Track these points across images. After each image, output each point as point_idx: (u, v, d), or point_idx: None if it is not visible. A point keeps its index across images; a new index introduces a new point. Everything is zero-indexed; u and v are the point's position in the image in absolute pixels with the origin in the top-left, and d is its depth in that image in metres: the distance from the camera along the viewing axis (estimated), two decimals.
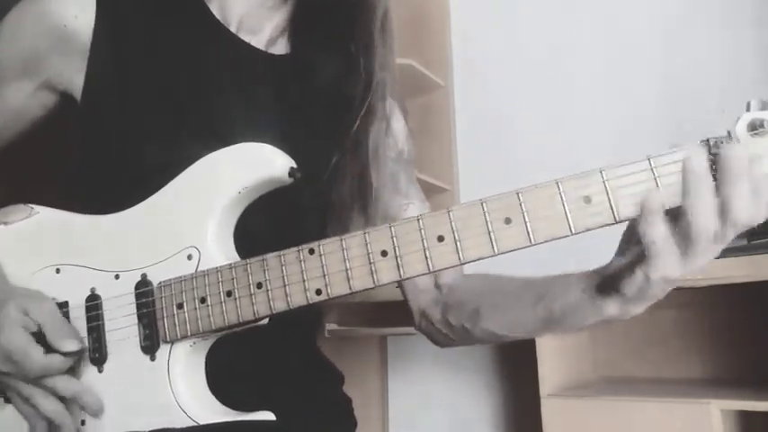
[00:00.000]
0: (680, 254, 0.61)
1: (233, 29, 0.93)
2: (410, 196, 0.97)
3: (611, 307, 0.69)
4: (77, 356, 0.79)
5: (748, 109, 0.62)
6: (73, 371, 0.80)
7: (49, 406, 0.77)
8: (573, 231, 0.64)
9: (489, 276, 0.90)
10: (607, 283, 0.69)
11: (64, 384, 0.77)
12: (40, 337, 0.76)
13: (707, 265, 1.16)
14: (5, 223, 0.86)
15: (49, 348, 0.76)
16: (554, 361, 1.40)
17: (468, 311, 0.86)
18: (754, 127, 0.61)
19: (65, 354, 0.76)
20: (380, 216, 0.90)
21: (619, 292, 0.67)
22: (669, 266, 0.62)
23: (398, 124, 1.00)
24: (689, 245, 0.61)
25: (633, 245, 0.64)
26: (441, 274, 0.89)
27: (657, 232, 0.60)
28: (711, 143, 0.62)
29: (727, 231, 0.61)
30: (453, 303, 0.89)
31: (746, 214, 0.59)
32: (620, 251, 0.68)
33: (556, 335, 0.80)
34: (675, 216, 0.61)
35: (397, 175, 0.96)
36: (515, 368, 1.84)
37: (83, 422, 0.80)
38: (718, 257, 1.18)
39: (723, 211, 0.59)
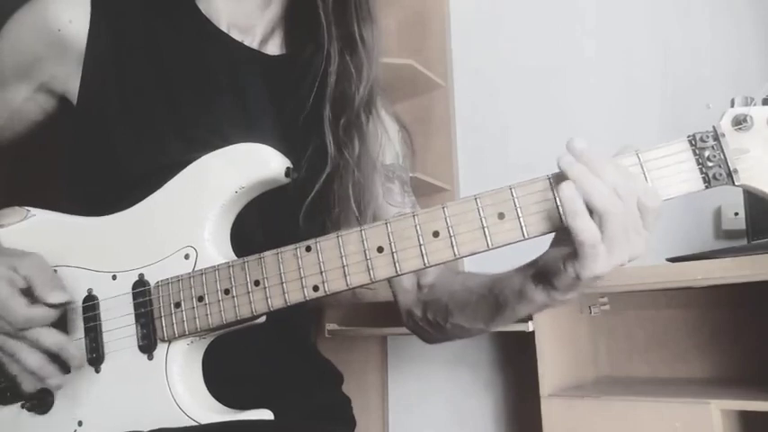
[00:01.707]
0: (606, 251, 0.63)
1: (223, 29, 0.93)
2: (403, 204, 0.98)
3: (540, 295, 0.72)
4: (63, 309, 0.79)
5: (732, 105, 0.64)
6: (68, 371, 0.80)
7: (33, 360, 0.77)
8: (566, 224, 0.64)
9: (461, 274, 0.94)
10: (541, 274, 0.71)
11: (46, 335, 0.77)
12: (28, 293, 0.76)
13: (708, 266, 1.16)
14: (1, 226, 0.86)
15: (36, 302, 0.76)
16: (554, 361, 1.40)
17: (441, 308, 0.90)
18: (739, 122, 0.63)
19: (51, 305, 0.76)
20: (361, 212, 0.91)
21: (551, 284, 0.70)
22: (598, 265, 0.63)
23: (392, 128, 1.00)
24: (607, 236, 0.62)
25: (566, 241, 0.65)
26: (422, 275, 0.93)
27: (588, 232, 0.62)
28: (698, 138, 0.64)
29: (644, 219, 0.63)
30: (431, 301, 0.93)
31: (654, 202, 0.63)
32: (555, 242, 0.71)
33: (505, 323, 0.85)
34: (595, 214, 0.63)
35: (392, 182, 0.97)
36: (515, 368, 1.84)
37: (80, 423, 0.80)
38: (718, 257, 1.19)
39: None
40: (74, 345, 0.78)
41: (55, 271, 0.83)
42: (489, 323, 0.85)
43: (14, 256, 0.79)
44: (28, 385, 0.80)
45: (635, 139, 1.79)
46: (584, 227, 0.61)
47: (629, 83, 1.77)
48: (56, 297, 0.77)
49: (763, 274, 1.11)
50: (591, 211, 0.62)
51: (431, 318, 0.92)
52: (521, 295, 0.75)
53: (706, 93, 1.59)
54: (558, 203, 0.64)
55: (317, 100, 0.92)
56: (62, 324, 0.80)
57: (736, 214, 1.52)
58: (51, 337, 0.77)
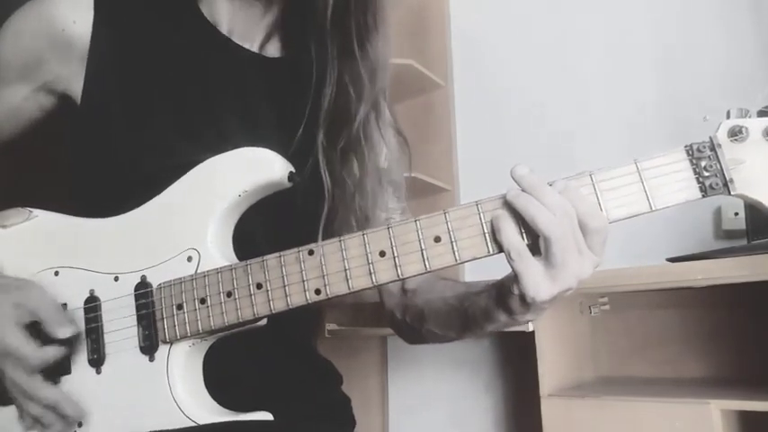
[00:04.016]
0: (545, 272, 0.65)
1: (224, 32, 0.93)
2: (392, 210, 0.98)
3: (502, 316, 0.74)
4: (73, 341, 0.80)
5: (728, 116, 0.66)
6: (69, 372, 0.80)
7: (35, 409, 0.78)
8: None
9: (442, 282, 0.94)
10: (499, 296, 0.73)
11: (45, 393, 0.78)
12: (33, 326, 0.77)
13: (708, 266, 1.16)
14: (3, 227, 0.86)
15: (43, 337, 0.77)
16: (554, 361, 1.40)
17: (418, 314, 0.92)
18: (734, 133, 0.65)
19: (61, 340, 0.77)
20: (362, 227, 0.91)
21: (507, 305, 0.71)
22: (541, 287, 0.65)
23: (387, 131, 0.99)
24: (550, 261, 0.64)
25: None
26: (407, 280, 0.94)
27: (509, 240, 0.65)
28: (695, 148, 0.65)
29: (589, 240, 0.65)
30: (410, 306, 0.94)
31: (597, 222, 0.64)
32: None
33: (475, 337, 0.89)
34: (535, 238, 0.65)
35: (384, 187, 0.96)
36: (515, 368, 1.84)
37: (80, 424, 0.80)
38: (718, 257, 1.19)
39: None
40: (70, 404, 0.78)
41: (56, 273, 0.83)
42: (460, 334, 0.87)
43: (16, 292, 0.80)
44: (27, 423, 0.80)
45: (636, 139, 1.79)
46: (506, 240, 0.65)
47: (631, 85, 1.77)
48: (65, 332, 0.78)
49: (763, 274, 1.11)
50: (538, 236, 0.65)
51: (409, 321, 0.94)
52: (486, 314, 0.77)
53: (707, 100, 1.59)
54: None
55: (313, 101, 0.91)
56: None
57: (736, 214, 1.52)
58: (50, 395, 0.78)
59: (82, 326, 0.81)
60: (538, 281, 0.65)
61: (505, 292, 0.70)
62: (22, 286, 0.81)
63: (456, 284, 0.92)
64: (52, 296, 0.81)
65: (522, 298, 0.67)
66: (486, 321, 0.78)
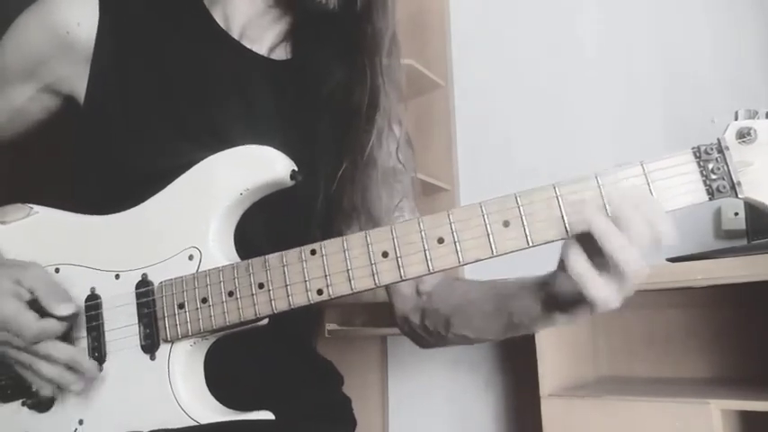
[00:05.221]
0: (612, 285, 0.64)
1: (235, 36, 0.94)
2: (402, 209, 0.97)
3: (562, 318, 0.74)
4: (73, 320, 0.79)
5: (736, 118, 0.64)
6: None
7: (51, 370, 0.77)
8: (570, 234, 0.65)
9: (459, 282, 0.94)
10: (554, 300, 0.72)
11: (58, 351, 0.77)
12: (33, 304, 0.77)
13: (708, 266, 1.16)
14: (4, 222, 0.86)
15: (43, 314, 0.76)
16: (554, 361, 1.40)
17: (442, 319, 0.90)
18: (742, 135, 0.63)
19: (60, 318, 0.77)
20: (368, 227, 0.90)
21: (567, 312, 0.72)
22: (608, 300, 0.65)
23: (396, 131, 1.00)
24: (616, 272, 0.63)
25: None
26: (421, 282, 0.93)
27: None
28: (702, 150, 0.64)
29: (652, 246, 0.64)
30: (430, 310, 0.93)
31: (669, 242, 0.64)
32: (562, 265, 0.70)
33: (517, 335, 0.86)
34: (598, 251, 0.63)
35: (392, 188, 0.96)
36: (515, 368, 1.84)
37: (81, 422, 0.80)
38: (718, 257, 1.19)
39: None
40: (86, 357, 0.79)
41: (57, 270, 0.83)
42: (500, 336, 0.87)
43: (16, 268, 0.80)
44: (47, 391, 0.80)
45: (635, 140, 1.78)
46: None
47: (630, 84, 1.76)
48: (64, 309, 0.77)
49: (763, 274, 1.11)
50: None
51: (430, 327, 0.92)
52: (542, 318, 0.76)
53: (708, 100, 1.59)
54: (563, 212, 0.65)
55: (320, 103, 0.92)
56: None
57: (736, 214, 1.52)
58: (63, 352, 0.77)
59: (83, 324, 0.81)
60: (608, 295, 0.64)
61: (570, 302, 0.70)
62: (23, 264, 0.81)
63: (477, 286, 0.91)
64: (50, 275, 0.81)
65: (593, 310, 0.67)
66: (541, 323, 0.78)
